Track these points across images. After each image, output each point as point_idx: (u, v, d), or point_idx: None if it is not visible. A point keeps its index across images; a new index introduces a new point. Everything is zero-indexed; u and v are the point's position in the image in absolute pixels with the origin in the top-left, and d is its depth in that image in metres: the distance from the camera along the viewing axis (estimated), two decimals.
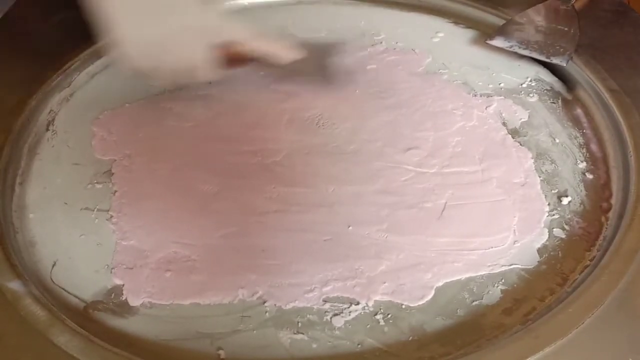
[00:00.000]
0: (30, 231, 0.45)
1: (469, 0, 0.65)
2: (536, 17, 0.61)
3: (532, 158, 0.50)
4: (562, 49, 0.57)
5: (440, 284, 0.41)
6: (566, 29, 0.59)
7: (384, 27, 0.64)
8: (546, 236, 0.44)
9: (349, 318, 0.40)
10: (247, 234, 0.44)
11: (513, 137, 0.52)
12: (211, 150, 0.51)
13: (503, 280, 0.42)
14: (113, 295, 0.41)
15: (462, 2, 0.65)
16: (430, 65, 0.59)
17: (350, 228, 0.45)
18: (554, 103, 0.55)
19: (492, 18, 0.63)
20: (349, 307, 0.40)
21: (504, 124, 0.53)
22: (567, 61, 0.56)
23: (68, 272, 0.42)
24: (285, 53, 0.52)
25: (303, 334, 0.39)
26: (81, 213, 0.46)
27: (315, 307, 0.40)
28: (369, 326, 0.39)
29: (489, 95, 0.56)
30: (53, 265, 0.43)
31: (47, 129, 0.53)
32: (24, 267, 0.42)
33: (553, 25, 0.60)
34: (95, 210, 0.46)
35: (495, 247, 0.43)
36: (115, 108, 0.55)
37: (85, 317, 0.40)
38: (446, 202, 0.46)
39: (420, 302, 0.40)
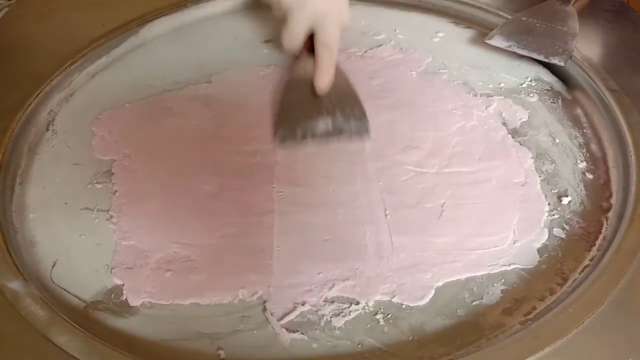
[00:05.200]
0: (30, 231, 0.45)
1: (469, 0, 0.65)
2: (536, 17, 0.61)
3: (532, 158, 0.50)
4: (561, 49, 0.57)
5: (440, 283, 0.41)
6: (566, 29, 0.59)
7: (384, 27, 0.64)
8: (546, 236, 0.44)
9: (349, 318, 0.40)
10: (247, 234, 0.44)
11: (513, 137, 0.51)
12: (211, 150, 0.51)
13: (503, 280, 0.42)
14: (113, 295, 0.41)
15: (462, 2, 0.65)
16: (430, 65, 0.59)
17: (350, 228, 0.45)
18: (554, 103, 0.55)
19: (492, 18, 0.63)
20: (349, 307, 0.40)
21: (504, 123, 0.53)
22: (566, 61, 0.56)
23: (68, 272, 0.43)
24: (320, 80, 0.50)
25: (303, 334, 0.39)
26: (81, 213, 0.46)
27: (315, 307, 0.40)
28: (369, 326, 0.39)
29: (489, 95, 0.56)
30: (53, 265, 0.43)
31: (47, 129, 0.53)
32: (24, 267, 0.42)
33: (553, 25, 0.60)
34: (95, 210, 0.46)
35: (495, 247, 0.43)
36: (115, 108, 0.55)
37: (85, 317, 0.40)
38: (446, 202, 0.46)
39: (420, 302, 0.40)
